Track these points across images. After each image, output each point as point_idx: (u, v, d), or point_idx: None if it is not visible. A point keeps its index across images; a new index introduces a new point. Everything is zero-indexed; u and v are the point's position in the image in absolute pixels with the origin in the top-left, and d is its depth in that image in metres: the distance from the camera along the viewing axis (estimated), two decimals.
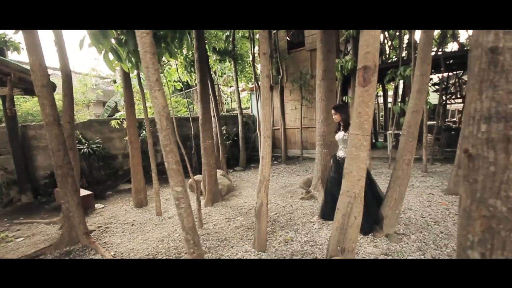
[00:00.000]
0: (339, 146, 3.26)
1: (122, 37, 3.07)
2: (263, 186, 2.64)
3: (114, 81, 11.66)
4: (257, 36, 7.99)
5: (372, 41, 1.83)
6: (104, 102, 12.63)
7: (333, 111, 3.21)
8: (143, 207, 4.54)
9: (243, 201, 4.61)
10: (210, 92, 5.43)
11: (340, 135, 3.18)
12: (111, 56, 3.24)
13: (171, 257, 2.73)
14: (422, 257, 2.45)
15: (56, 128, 2.87)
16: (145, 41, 1.47)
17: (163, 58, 4.00)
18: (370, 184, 3.07)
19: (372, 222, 2.94)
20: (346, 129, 3.10)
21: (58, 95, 5.07)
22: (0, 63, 4.35)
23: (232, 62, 8.26)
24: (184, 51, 6.61)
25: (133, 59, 3.17)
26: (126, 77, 4.32)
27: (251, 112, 10.98)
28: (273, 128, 10.10)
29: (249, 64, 9.09)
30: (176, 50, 3.50)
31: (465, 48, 8.31)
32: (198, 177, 5.48)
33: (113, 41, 3.13)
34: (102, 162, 6.19)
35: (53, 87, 4.85)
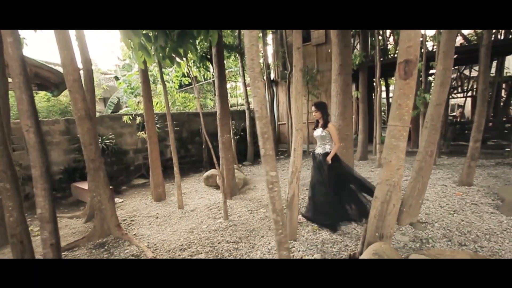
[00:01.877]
0: (317, 143, 3.35)
1: (150, 33, 3.10)
2: (295, 177, 2.71)
3: (116, 78, 11.55)
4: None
5: (414, 35, 1.90)
6: (105, 98, 12.47)
7: (314, 108, 3.27)
8: (162, 201, 4.60)
9: (260, 194, 4.70)
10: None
11: (318, 131, 3.26)
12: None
13: (205, 247, 2.81)
14: (449, 243, 2.57)
15: (88, 122, 2.91)
16: (253, 35, 1.57)
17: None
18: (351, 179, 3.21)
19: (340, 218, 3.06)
20: (324, 126, 3.20)
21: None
22: None
23: (238, 57, 8.28)
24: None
25: (160, 54, 3.19)
26: (144, 72, 4.34)
27: None
28: (279, 123, 10.18)
29: None
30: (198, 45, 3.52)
31: (471, 43, 8.46)
32: (211, 171, 5.54)
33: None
34: (115, 157, 6.20)
35: (62, 82, 4.84)
